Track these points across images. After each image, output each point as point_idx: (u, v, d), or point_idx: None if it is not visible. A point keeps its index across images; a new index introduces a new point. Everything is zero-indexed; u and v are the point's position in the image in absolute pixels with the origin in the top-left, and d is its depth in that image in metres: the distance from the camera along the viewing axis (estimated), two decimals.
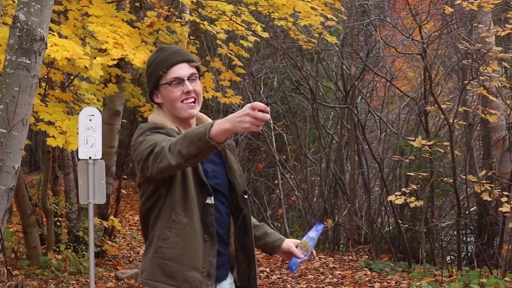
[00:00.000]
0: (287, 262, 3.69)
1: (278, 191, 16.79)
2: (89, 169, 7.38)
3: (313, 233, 3.62)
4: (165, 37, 11.14)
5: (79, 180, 7.51)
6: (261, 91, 16.81)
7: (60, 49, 8.01)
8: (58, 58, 7.97)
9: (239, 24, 11.90)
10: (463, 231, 14.01)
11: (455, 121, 12.65)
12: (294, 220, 16.90)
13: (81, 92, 12.60)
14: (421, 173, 12.15)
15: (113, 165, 11.95)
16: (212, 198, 3.29)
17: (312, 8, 10.83)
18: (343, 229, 15.47)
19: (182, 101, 3.36)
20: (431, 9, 12.34)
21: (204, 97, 10.79)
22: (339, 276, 11.44)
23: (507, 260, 10.49)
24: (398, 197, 11.20)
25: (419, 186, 12.57)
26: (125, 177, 18.99)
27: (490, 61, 11.42)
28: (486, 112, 11.84)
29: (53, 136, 8.54)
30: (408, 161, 13.01)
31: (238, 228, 3.44)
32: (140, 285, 10.34)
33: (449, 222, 14.13)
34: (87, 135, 7.40)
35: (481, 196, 10.98)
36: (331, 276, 11.45)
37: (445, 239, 15.00)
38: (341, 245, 15.05)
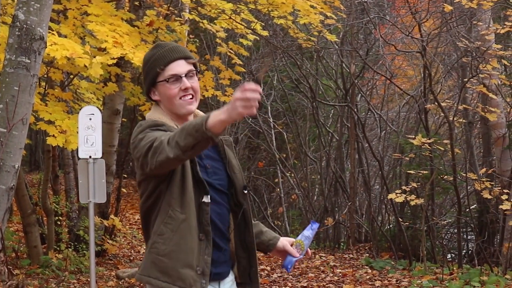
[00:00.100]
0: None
1: (278, 189, 16.79)
2: (89, 168, 7.38)
3: (308, 232, 3.61)
4: (164, 36, 11.14)
5: (79, 179, 7.51)
6: (261, 90, 16.78)
7: (60, 48, 8.01)
8: (58, 57, 7.97)
9: (239, 23, 11.90)
10: (464, 229, 14.01)
11: (455, 119, 12.65)
12: (294, 219, 16.90)
13: (81, 91, 12.60)
14: (421, 171, 12.15)
15: (113, 164, 11.95)
16: (209, 197, 3.28)
17: (312, 6, 10.84)
18: (344, 227, 15.47)
19: (180, 98, 3.35)
20: (431, 7, 12.34)
21: (204, 95, 10.81)
22: (340, 274, 11.44)
23: (508, 258, 10.49)
24: (398, 195, 11.20)
25: (419, 184, 12.56)
26: (125, 176, 19.00)
27: (490, 59, 11.42)
28: (486, 110, 11.83)
29: (53, 135, 8.54)
30: (408, 159, 13.01)
31: (238, 224, 3.43)
32: (141, 285, 10.35)
33: (450, 220, 14.14)
34: (87, 134, 7.40)
35: (482, 194, 10.98)
36: (331, 275, 11.45)
37: (446, 237, 15.01)
38: (342, 243, 15.06)
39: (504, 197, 10.61)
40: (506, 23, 11.46)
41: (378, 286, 10.33)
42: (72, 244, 11.89)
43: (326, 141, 16.13)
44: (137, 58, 8.32)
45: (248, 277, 3.48)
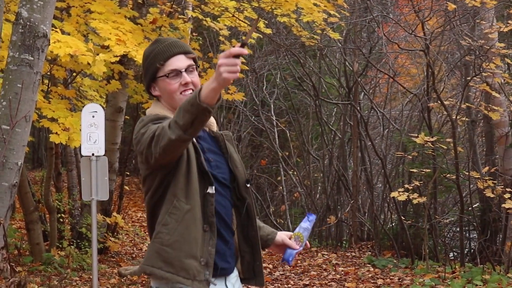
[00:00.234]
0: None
1: (281, 187, 16.80)
2: (92, 166, 7.38)
3: (306, 224, 3.61)
4: (167, 34, 11.14)
5: (82, 177, 7.51)
6: (264, 88, 16.82)
7: (63, 46, 8.02)
8: (61, 55, 7.98)
9: (242, 21, 11.90)
10: (466, 228, 14.00)
11: (458, 117, 12.64)
12: (297, 217, 16.89)
13: (84, 88, 12.62)
14: (424, 170, 12.15)
15: (116, 162, 11.96)
16: (213, 187, 3.27)
17: (315, 4, 10.83)
18: (346, 225, 15.47)
19: (180, 93, 3.35)
20: (434, 5, 12.33)
21: None
22: (342, 272, 11.45)
23: (510, 257, 10.47)
24: (401, 193, 11.19)
25: (422, 182, 12.56)
26: (128, 173, 19.03)
27: (493, 57, 11.41)
28: (489, 109, 11.82)
29: (56, 133, 8.56)
30: (411, 157, 13.01)
31: (241, 219, 3.42)
32: (143, 282, 10.36)
33: (452, 219, 14.14)
34: (90, 131, 7.40)
35: (484, 192, 10.97)
36: (334, 273, 11.46)
37: (448, 235, 15.01)
38: (344, 242, 15.06)
39: (507, 195, 10.60)
40: (509, 21, 11.44)
41: (380, 284, 10.33)
42: (75, 241, 11.90)
43: (329, 139, 16.13)
44: (140, 56, 8.32)
45: (252, 272, 3.47)
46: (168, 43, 3.40)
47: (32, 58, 6.48)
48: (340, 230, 15.27)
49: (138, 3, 11.41)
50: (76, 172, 12.86)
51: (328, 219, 14.86)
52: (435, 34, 12.76)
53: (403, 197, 11.17)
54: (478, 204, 13.83)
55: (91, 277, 8.65)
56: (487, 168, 11.96)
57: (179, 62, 3.36)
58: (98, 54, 8.53)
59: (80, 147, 7.83)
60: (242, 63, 11.92)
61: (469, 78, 12.32)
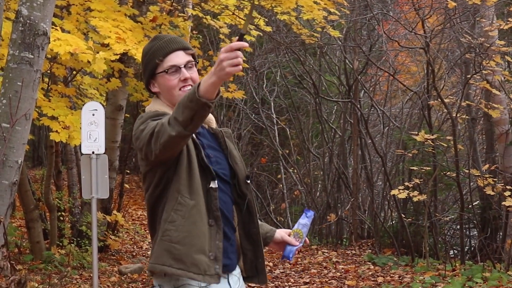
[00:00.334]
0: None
1: (281, 185, 16.79)
2: (92, 164, 7.38)
3: (305, 220, 3.60)
4: (167, 32, 11.14)
5: (82, 175, 7.51)
6: (264, 86, 16.81)
7: (63, 44, 8.02)
8: (61, 53, 7.98)
9: (242, 19, 11.90)
10: (466, 225, 14.01)
11: (458, 115, 12.64)
12: (297, 215, 16.87)
13: (84, 86, 12.61)
14: (424, 167, 12.15)
15: (116, 160, 11.96)
16: (216, 182, 3.27)
17: (315, 2, 10.84)
18: (346, 223, 15.47)
19: (180, 89, 3.35)
20: (434, 3, 12.32)
21: None
22: (342, 270, 11.45)
23: (510, 254, 10.47)
24: (401, 191, 11.20)
25: (422, 180, 12.56)
26: (128, 171, 19.03)
27: (493, 55, 11.40)
28: (489, 107, 11.82)
29: (56, 131, 8.55)
30: (411, 155, 13.00)
31: (242, 216, 3.41)
32: (143, 280, 10.36)
33: (452, 216, 14.14)
34: (90, 129, 7.40)
35: (484, 190, 10.97)
36: (334, 271, 11.46)
37: (448, 233, 15.01)
38: (344, 240, 15.06)
39: (507, 193, 10.60)
40: (509, 19, 11.44)
41: (381, 282, 10.34)
42: (75, 239, 11.90)
43: (329, 137, 16.13)
44: (140, 54, 8.29)
45: (255, 270, 3.46)
46: (167, 39, 3.41)
47: (32, 56, 6.47)
48: (340, 228, 15.27)
49: (138, 1, 11.40)
50: (76, 170, 12.86)
51: (328, 217, 14.86)
52: (435, 32, 12.75)
53: (403, 195, 11.17)
54: (478, 202, 13.83)
55: (91, 275, 8.65)
56: (487, 166, 11.96)
57: (178, 58, 3.36)
58: (98, 52, 8.53)
59: (80, 145, 7.83)
60: (242, 61, 11.96)
61: (469, 76, 12.31)
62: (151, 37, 9.73)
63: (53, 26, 7.83)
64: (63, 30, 8.94)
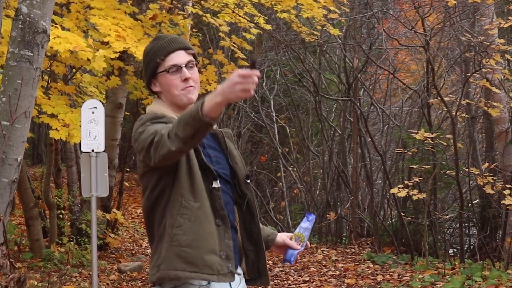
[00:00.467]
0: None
1: (280, 183, 16.79)
2: (92, 162, 7.37)
3: (306, 224, 3.60)
4: (167, 30, 11.13)
5: (82, 173, 7.51)
6: (264, 84, 16.81)
7: (63, 42, 8.02)
8: (61, 51, 7.98)
9: (242, 17, 11.89)
10: (466, 224, 14.01)
11: (457, 113, 12.64)
12: (296, 213, 16.90)
13: (83, 84, 12.61)
14: (424, 166, 12.14)
15: (116, 158, 11.96)
16: (218, 181, 3.27)
17: (315, 0, 10.83)
18: (346, 221, 15.47)
19: (181, 90, 3.35)
20: (434, 1, 12.31)
21: (206, 89, 10.80)
22: (342, 268, 11.45)
23: (510, 253, 10.47)
24: (400, 189, 11.19)
25: (421, 178, 12.56)
26: (128, 169, 19.02)
27: (493, 54, 11.40)
28: (488, 105, 11.82)
29: (56, 129, 8.55)
30: (410, 153, 13.01)
31: (243, 215, 3.41)
32: (143, 278, 10.36)
33: (452, 215, 14.13)
34: (90, 127, 7.39)
35: (484, 188, 10.97)
36: (333, 269, 11.46)
37: (448, 231, 15.01)
38: (344, 238, 15.06)
39: (507, 192, 10.60)
40: (509, 17, 11.43)
41: (380, 280, 10.34)
42: (74, 237, 11.90)
43: (328, 136, 16.13)
44: (140, 52, 8.31)
45: (257, 271, 3.47)
46: (168, 39, 3.41)
47: (32, 54, 6.47)
48: (339, 226, 15.27)
49: None
50: (76, 168, 12.86)
51: (327, 215, 14.86)
52: (435, 30, 12.75)
53: (402, 193, 11.17)
54: (478, 200, 13.83)
55: (90, 273, 8.65)
56: (486, 164, 11.95)
57: (179, 57, 3.36)
58: (98, 50, 8.52)
59: (80, 143, 7.82)
60: (242, 59, 11.95)
61: (469, 74, 12.32)
62: (151, 35, 9.76)
63: (53, 24, 7.82)
64: (63, 28, 8.93)
